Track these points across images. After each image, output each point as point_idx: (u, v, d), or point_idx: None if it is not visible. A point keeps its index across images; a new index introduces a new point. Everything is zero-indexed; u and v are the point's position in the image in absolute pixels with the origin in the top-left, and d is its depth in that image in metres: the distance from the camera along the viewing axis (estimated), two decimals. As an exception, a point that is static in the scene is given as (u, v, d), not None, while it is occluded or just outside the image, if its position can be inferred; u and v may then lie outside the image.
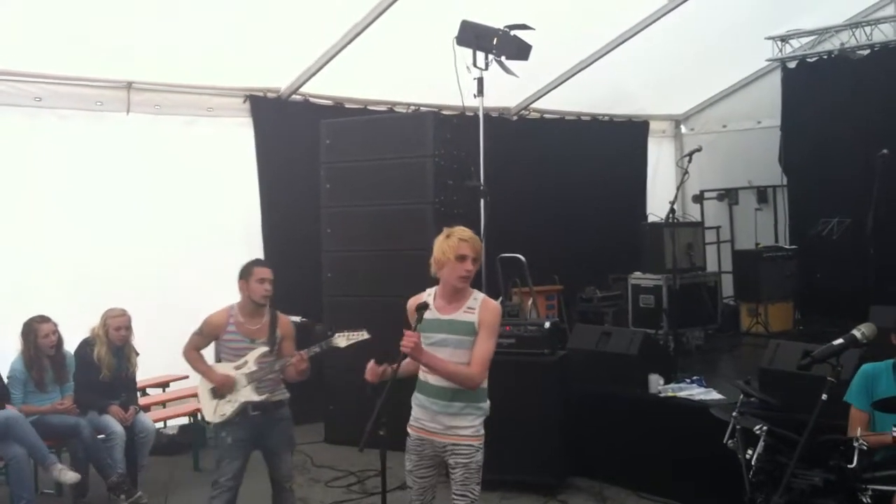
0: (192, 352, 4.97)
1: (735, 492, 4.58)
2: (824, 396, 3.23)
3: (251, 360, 4.81)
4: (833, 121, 9.43)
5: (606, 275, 10.23)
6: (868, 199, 7.78)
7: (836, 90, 9.42)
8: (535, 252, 8.59)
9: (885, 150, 7.82)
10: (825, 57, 9.65)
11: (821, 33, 9.87)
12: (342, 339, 4.69)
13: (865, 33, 9.44)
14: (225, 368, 4.86)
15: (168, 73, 7.60)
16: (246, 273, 4.86)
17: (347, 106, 8.82)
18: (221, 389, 4.82)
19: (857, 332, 3.31)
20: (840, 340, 3.32)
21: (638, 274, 9.05)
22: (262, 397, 4.77)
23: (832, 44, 9.78)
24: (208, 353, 5.03)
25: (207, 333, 4.93)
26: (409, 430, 4.05)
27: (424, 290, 4.07)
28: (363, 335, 4.69)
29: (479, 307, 3.93)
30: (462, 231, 3.98)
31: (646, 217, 10.25)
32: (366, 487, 6.27)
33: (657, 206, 9.99)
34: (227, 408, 4.80)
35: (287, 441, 4.94)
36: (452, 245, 3.90)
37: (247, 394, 4.77)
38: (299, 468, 6.76)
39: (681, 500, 5.80)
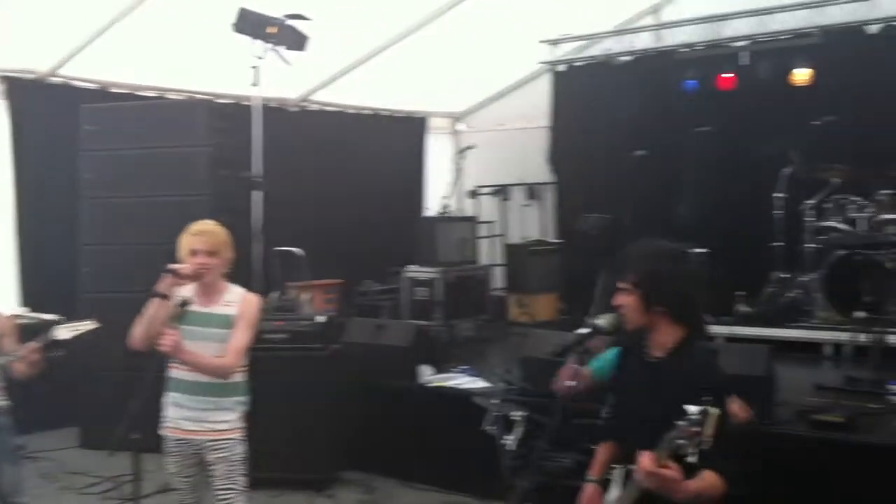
0: None
1: (497, 477, 4.78)
2: (573, 382, 3.41)
3: None
4: (597, 123, 9.90)
5: (385, 268, 10.34)
6: (626, 197, 8.35)
7: (600, 94, 9.88)
8: (315, 246, 8.56)
9: (641, 151, 8.44)
10: (591, 62, 10.11)
11: (589, 39, 10.37)
12: (65, 331, 4.30)
13: (628, 41, 10.01)
14: None
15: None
16: None
17: (113, 91, 8.35)
18: None
19: (600, 321, 3.52)
20: (585, 329, 3.51)
21: (414, 267, 9.21)
22: None
23: (598, 50, 10.26)
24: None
25: None
26: (164, 432, 3.96)
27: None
28: (88, 325, 4.38)
29: (238, 300, 3.96)
30: (198, 225, 3.96)
31: (424, 211, 10.46)
32: (123, 493, 5.90)
33: (437, 201, 10.21)
34: None
35: (6, 452, 4.43)
36: (185, 241, 3.90)
37: None
38: (48, 477, 6.38)
39: (447, 488, 5.97)
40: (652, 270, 3.23)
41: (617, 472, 3.31)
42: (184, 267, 3.82)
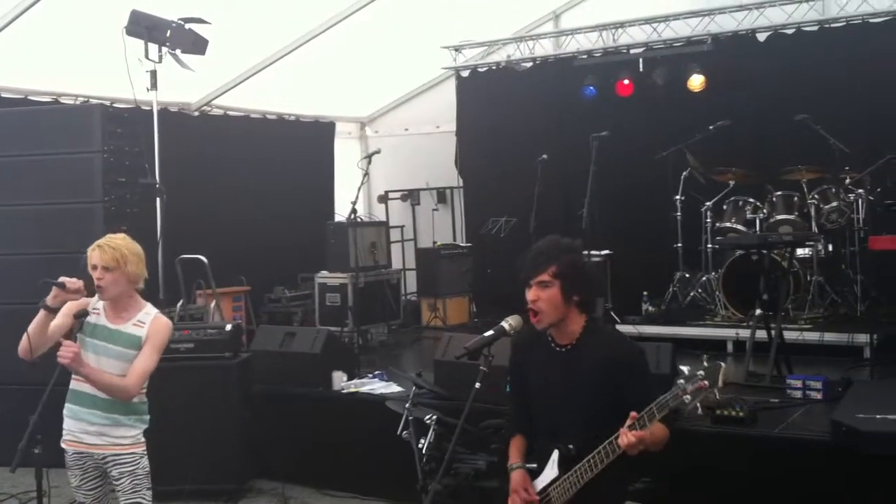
0: None
1: (411, 481, 4.77)
2: (477, 385, 3.42)
3: None
4: (501, 127, 10.09)
5: (296, 274, 10.22)
6: (531, 199, 8.47)
7: (503, 99, 10.08)
8: (221, 253, 8.37)
9: (544, 156, 8.56)
10: (494, 67, 10.29)
11: (490, 45, 10.52)
12: None
13: (528, 47, 10.23)
14: None
15: None
16: None
17: (5, 95, 7.99)
18: None
19: (505, 324, 3.53)
20: (490, 332, 3.53)
21: (325, 273, 9.13)
22: None
23: (500, 56, 10.45)
24: None
25: None
26: (63, 445, 3.84)
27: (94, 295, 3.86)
28: None
29: (150, 322, 3.86)
30: (103, 238, 3.85)
31: (333, 216, 10.39)
32: (29, 510, 5.75)
33: (347, 207, 10.12)
34: None
35: None
36: (89, 254, 3.79)
37: None
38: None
39: (362, 493, 5.94)
40: (572, 261, 3.33)
41: (553, 454, 3.36)
42: (71, 281, 3.70)
